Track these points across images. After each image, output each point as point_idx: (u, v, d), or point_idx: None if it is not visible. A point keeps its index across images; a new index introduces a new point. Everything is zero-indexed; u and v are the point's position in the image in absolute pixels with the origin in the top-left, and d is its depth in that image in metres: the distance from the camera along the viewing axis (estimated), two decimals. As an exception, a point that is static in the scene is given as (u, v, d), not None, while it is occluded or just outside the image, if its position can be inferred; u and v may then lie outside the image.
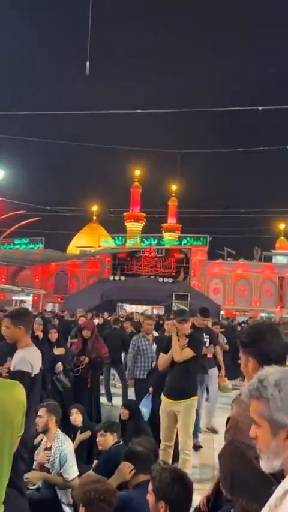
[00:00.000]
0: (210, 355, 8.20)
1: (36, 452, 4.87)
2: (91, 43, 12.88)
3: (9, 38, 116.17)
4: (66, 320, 17.11)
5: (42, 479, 4.69)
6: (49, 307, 37.84)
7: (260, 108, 12.85)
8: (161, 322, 18.63)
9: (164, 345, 6.16)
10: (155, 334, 10.51)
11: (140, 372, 8.00)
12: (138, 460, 3.60)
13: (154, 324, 8.82)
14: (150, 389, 7.48)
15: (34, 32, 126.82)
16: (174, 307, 29.92)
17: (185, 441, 5.76)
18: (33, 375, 4.04)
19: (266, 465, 1.66)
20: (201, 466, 6.68)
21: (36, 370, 4.11)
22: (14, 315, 4.23)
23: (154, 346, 8.18)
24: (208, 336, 8.11)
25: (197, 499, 2.87)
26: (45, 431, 4.79)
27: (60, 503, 4.58)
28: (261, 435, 1.67)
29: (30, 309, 23.47)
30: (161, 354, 6.14)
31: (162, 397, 5.98)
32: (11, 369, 4.11)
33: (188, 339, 5.88)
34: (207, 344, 7.96)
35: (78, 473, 4.67)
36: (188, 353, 5.82)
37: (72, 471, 4.65)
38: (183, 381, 5.83)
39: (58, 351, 7.52)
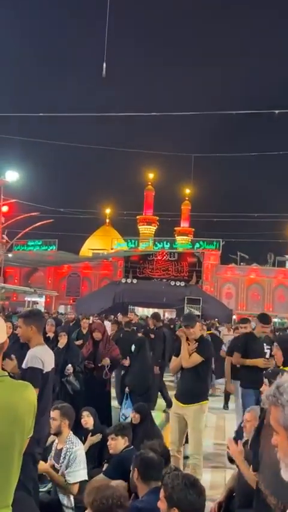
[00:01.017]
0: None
1: (51, 455, 4.83)
2: (108, 46, 12.91)
3: (25, 40, 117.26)
4: (59, 320, 16.67)
5: (45, 472, 4.65)
6: (61, 308, 37.99)
7: (276, 111, 12.78)
8: (171, 326, 18.55)
9: (175, 348, 6.13)
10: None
11: None
12: (149, 467, 3.53)
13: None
14: (126, 389, 7.46)
15: (50, 33, 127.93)
16: (186, 311, 29.85)
17: (195, 445, 5.69)
18: (44, 372, 4.09)
19: (286, 474, 1.60)
20: (213, 471, 6.60)
21: (47, 367, 4.18)
22: (26, 315, 4.41)
23: None
24: (269, 347, 6.93)
25: (209, 505, 2.81)
26: (57, 433, 4.76)
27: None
28: (280, 442, 1.61)
29: (42, 310, 23.55)
30: (173, 358, 6.11)
31: (173, 400, 5.96)
32: (23, 366, 4.16)
33: (197, 343, 5.82)
34: (267, 355, 6.85)
35: (85, 478, 4.61)
36: (196, 359, 5.75)
37: (76, 475, 4.58)
38: (192, 385, 5.77)
39: None
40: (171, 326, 21.98)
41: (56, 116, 19.33)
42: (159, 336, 10.35)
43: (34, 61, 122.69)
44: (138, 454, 3.62)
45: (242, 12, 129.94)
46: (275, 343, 4.77)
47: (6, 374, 2.35)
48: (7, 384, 2.34)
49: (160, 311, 35.18)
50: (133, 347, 8.21)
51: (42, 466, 4.56)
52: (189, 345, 5.83)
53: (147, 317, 19.39)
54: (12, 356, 4.55)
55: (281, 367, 4.33)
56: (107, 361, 7.49)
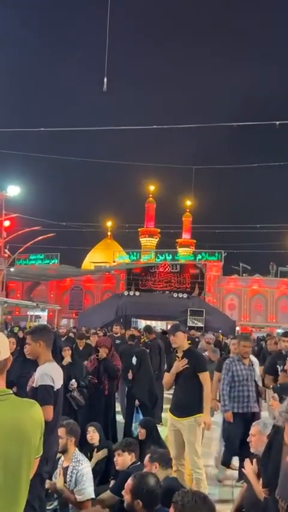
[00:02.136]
0: None
1: (56, 472, 4.79)
2: (108, 60, 13.02)
3: (27, 56, 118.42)
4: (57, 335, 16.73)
5: (57, 490, 4.60)
6: (64, 322, 37.85)
7: (277, 123, 12.81)
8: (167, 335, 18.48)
9: (168, 363, 6.11)
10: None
11: (234, 404, 6.54)
12: (153, 497, 3.39)
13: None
14: (137, 402, 7.37)
15: (52, 50, 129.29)
16: (189, 323, 29.76)
17: (193, 459, 5.62)
18: (55, 389, 4.04)
19: None
20: (221, 485, 6.52)
21: (57, 385, 4.15)
22: (33, 331, 4.38)
23: (254, 372, 6.81)
24: (280, 362, 6.70)
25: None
26: (63, 451, 4.71)
27: None
28: None
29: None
30: (165, 374, 6.09)
31: (168, 413, 5.94)
32: (34, 386, 4.11)
33: (186, 359, 5.78)
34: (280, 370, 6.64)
35: (92, 496, 4.56)
36: (169, 378, 5.78)
37: (85, 492, 4.55)
38: (185, 398, 5.73)
39: None
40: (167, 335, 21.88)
41: (57, 130, 19.41)
42: (154, 348, 10.31)
43: (35, 75, 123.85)
44: (140, 485, 3.41)
45: (240, 24, 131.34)
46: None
47: (11, 392, 2.30)
48: (12, 402, 2.28)
49: (163, 323, 35.18)
50: (134, 359, 8.16)
51: (54, 485, 4.52)
52: (177, 355, 5.81)
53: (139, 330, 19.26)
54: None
55: None
56: (103, 354, 7.47)
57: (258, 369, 7.02)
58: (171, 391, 6.22)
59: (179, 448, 5.69)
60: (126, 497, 3.37)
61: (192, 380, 5.71)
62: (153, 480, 3.43)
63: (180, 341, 5.85)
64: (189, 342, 10.09)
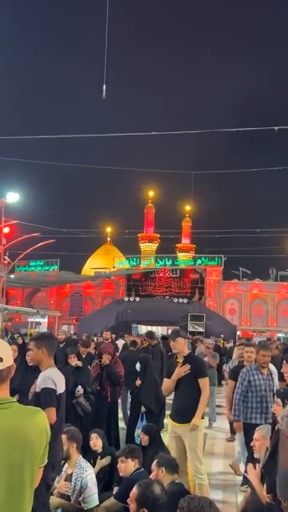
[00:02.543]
0: None
1: (57, 479, 4.78)
2: (107, 67, 13.06)
3: (26, 61, 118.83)
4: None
5: (60, 507, 4.60)
6: (64, 328, 37.80)
7: (276, 128, 12.86)
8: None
9: (168, 369, 6.11)
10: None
11: (252, 415, 6.40)
12: (159, 506, 3.40)
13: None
14: (143, 408, 7.34)
15: (51, 56, 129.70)
16: (190, 328, 29.74)
17: (195, 465, 5.63)
18: (58, 393, 4.07)
19: None
20: (224, 490, 6.51)
21: (60, 389, 4.19)
22: (37, 337, 4.44)
23: (273, 382, 6.63)
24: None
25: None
26: (66, 458, 4.71)
27: None
28: None
29: (45, 330, 23.40)
30: (165, 379, 6.08)
31: (169, 420, 5.93)
32: (36, 390, 4.14)
33: (188, 365, 5.77)
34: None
35: (98, 503, 4.56)
36: (169, 384, 5.77)
37: (91, 500, 4.56)
38: (185, 404, 5.72)
39: None
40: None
41: (56, 137, 19.45)
42: (156, 353, 10.32)
43: (33, 82, 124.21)
44: (145, 494, 3.38)
45: (240, 24, 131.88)
46: (284, 361, 4.73)
47: (15, 400, 2.29)
48: (16, 410, 2.28)
49: (163, 328, 35.09)
50: (138, 365, 8.14)
51: (55, 501, 4.52)
52: (177, 360, 5.80)
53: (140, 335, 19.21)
54: None
55: None
56: (106, 361, 7.46)
57: (277, 379, 6.80)
58: (171, 396, 6.22)
59: (180, 454, 5.67)
60: (132, 505, 3.36)
61: (192, 385, 5.72)
62: (159, 488, 3.43)
63: (181, 346, 5.86)
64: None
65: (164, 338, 16.25)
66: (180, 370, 5.70)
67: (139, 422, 7.16)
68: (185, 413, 5.68)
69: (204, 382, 5.73)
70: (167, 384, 5.93)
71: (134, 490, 3.41)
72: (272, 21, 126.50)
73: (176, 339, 5.84)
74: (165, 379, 6.06)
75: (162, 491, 3.44)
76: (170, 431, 5.88)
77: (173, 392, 6.04)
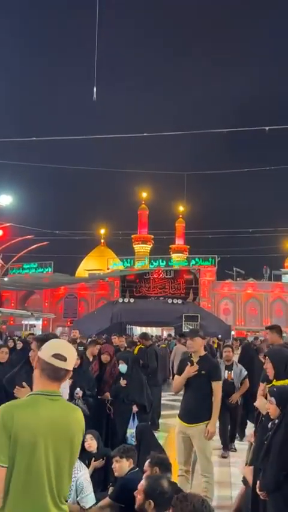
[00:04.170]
0: None
1: None
2: (97, 69, 13.10)
3: (16, 65, 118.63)
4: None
5: None
6: (59, 331, 37.74)
7: (266, 128, 12.91)
8: (166, 341, 18.38)
9: (179, 367, 6.08)
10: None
11: None
12: (165, 499, 3.42)
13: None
14: (135, 408, 7.31)
15: (42, 58, 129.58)
16: (184, 329, 29.76)
17: (204, 465, 5.64)
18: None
19: None
20: (219, 487, 6.51)
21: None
22: (40, 338, 4.36)
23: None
24: None
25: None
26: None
27: None
28: None
29: (40, 333, 23.32)
30: (176, 377, 6.07)
31: (177, 419, 5.88)
32: None
33: (198, 365, 5.77)
34: None
35: (95, 501, 4.58)
36: (179, 381, 5.76)
37: (89, 499, 4.57)
38: (196, 404, 5.70)
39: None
40: (166, 341, 21.79)
41: (48, 139, 19.41)
42: (151, 354, 10.34)
43: (26, 84, 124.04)
44: (153, 486, 3.43)
45: (234, 33, 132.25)
46: (266, 357, 4.67)
47: (61, 394, 2.46)
48: (62, 404, 2.45)
49: (158, 329, 35.11)
50: (121, 366, 8.03)
51: None
52: (192, 359, 5.79)
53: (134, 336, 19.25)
54: (24, 383, 4.48)
55: (274, 382, 4.26)
56: (107, 396, 7.44)
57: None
58: (171, 398, 6.23)
59: (186, 455, 5.70)
60: (139, 497, 3.39)
61: (204, 387, 5.70)
62: (167, 483, 3.48)
63: (198, 346, 5.85)
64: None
65: (181, 335, 16.13)
66: (190, 370, 5.69)
67: (131, 422, 7.15)
68: (196, 414, 5.67)
69: (217, 386, 5.72)
70: (177, 381, 5.93)
71: (143, 482, 3.47)
72: (272, 21, 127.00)
73: (194, 338, 5.85)
74: (176, 376, 6.07)
75: (170, 487, 3.47)
76: (178, 431, 5.83)
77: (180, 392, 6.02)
